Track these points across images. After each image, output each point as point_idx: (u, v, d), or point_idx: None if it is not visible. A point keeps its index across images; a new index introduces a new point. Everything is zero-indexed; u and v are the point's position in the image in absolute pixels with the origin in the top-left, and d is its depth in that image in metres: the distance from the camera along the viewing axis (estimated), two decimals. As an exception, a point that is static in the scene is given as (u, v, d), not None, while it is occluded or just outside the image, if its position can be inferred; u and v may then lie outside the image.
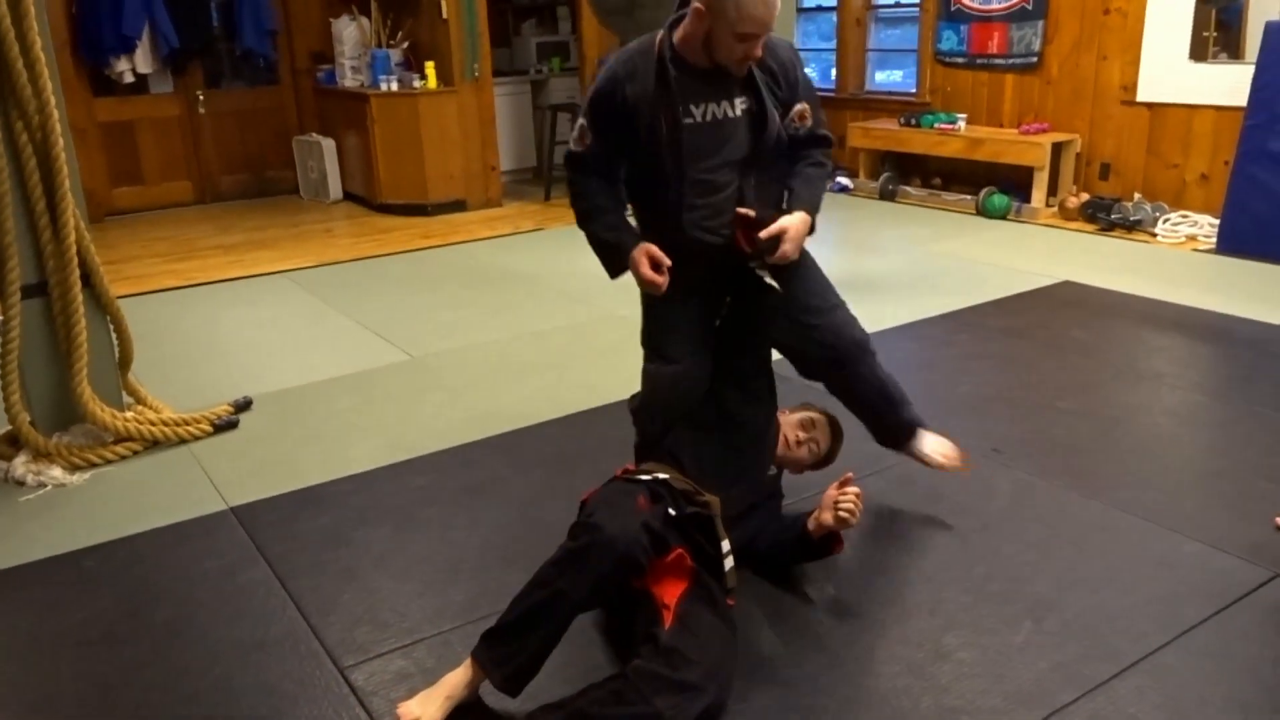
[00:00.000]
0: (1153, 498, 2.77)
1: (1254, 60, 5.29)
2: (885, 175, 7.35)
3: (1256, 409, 3.37)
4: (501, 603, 2.38)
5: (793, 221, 2.30)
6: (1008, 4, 6.66)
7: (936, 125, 6.96)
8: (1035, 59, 6.60)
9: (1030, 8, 6.55)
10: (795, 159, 2.41)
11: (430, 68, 6.99)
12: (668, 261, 2.35)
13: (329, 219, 7.22)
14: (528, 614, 1.93)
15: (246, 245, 6.38)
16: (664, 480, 2.13)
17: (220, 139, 7.71)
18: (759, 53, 2.17)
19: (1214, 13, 5.89)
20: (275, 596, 2.45)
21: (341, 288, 5.32)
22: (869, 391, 2.56)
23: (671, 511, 2.04)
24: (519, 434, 3.37)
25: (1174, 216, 5.87)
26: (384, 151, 7.08)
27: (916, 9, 7.35)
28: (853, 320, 2.50)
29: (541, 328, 4.54)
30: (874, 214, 6.79)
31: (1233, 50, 5.92)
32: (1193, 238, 5.68)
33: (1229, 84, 5.62)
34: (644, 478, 2.14)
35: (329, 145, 7.64)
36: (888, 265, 5.44)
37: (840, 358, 2.46)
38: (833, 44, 8.11)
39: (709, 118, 2.27)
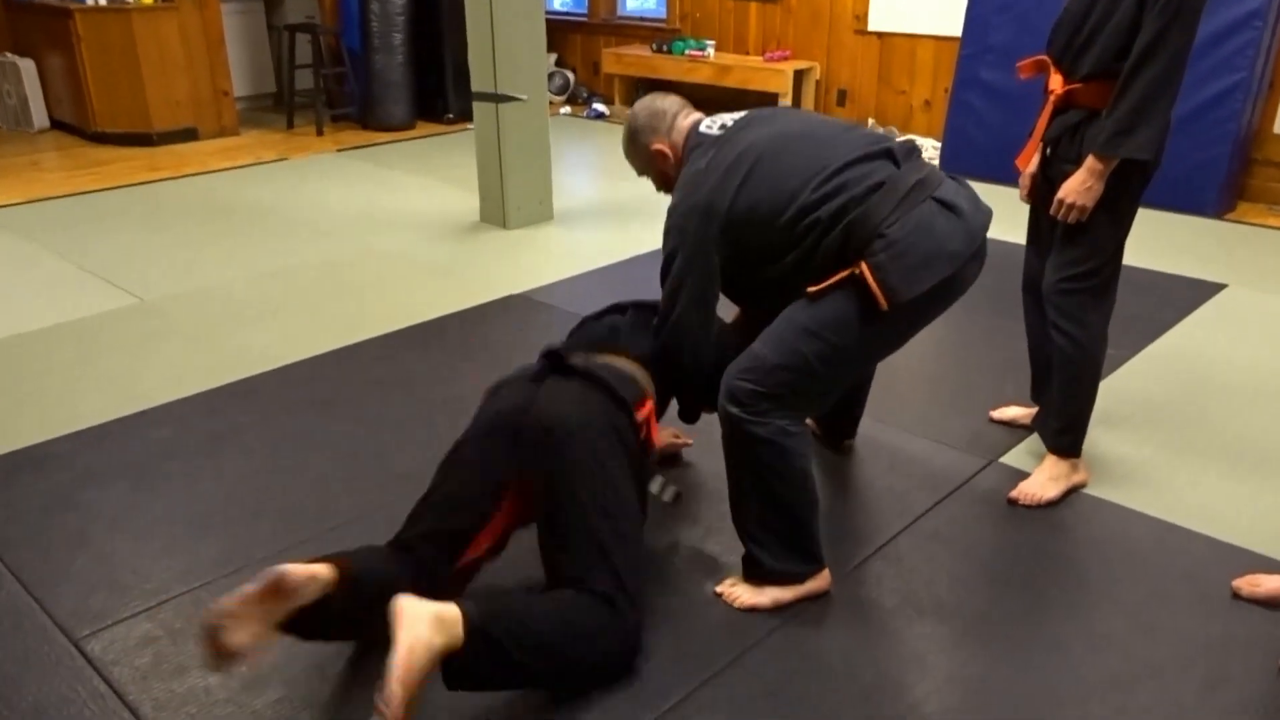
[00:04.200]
0: (886, 403, 2.99)
1: (967, -7, 5.70)
2: (640, 101, 7.40)
3: (974, 315, 3.70)
4: (254, 554, 2.27)
5: None
6: (749, -69, 6.81)
7: (687, 52, 7.07)
8: (776, -13, 6.82)
9: (770, -64, 6.73)
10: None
11: (144, -20, 6.32)
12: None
13: (35, 150, 6.44)
14: None
15: (-68, 182, 5.59)
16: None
17: (-111, 59, 6.67)
18: None
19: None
20: (-10, 571, 2.21)
21: (55, 227, 4.78)
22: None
23: None
24: (267, 377, 3.17)
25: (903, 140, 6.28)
26: (95, 75, 6.36)
27: (663, -66, 7.39)
28: (744, 369, 1.97)
29: (288, 264, 4.28)
30: (630, 140, 6.85)
31: (949, -17, 6.35)
32: (919, 160, 6.11)
33: (946, 15, 6.04)
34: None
35: (28, 66, 6.77)
36: (638, 191, 5.51)
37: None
38: (583, -33, 8.02)
39: None
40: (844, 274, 1.94)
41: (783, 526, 2.02)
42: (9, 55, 6.85)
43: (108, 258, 4.34)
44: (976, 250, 2.02)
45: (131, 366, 3.27)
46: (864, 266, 1.90)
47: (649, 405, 2.09)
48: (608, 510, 1.84)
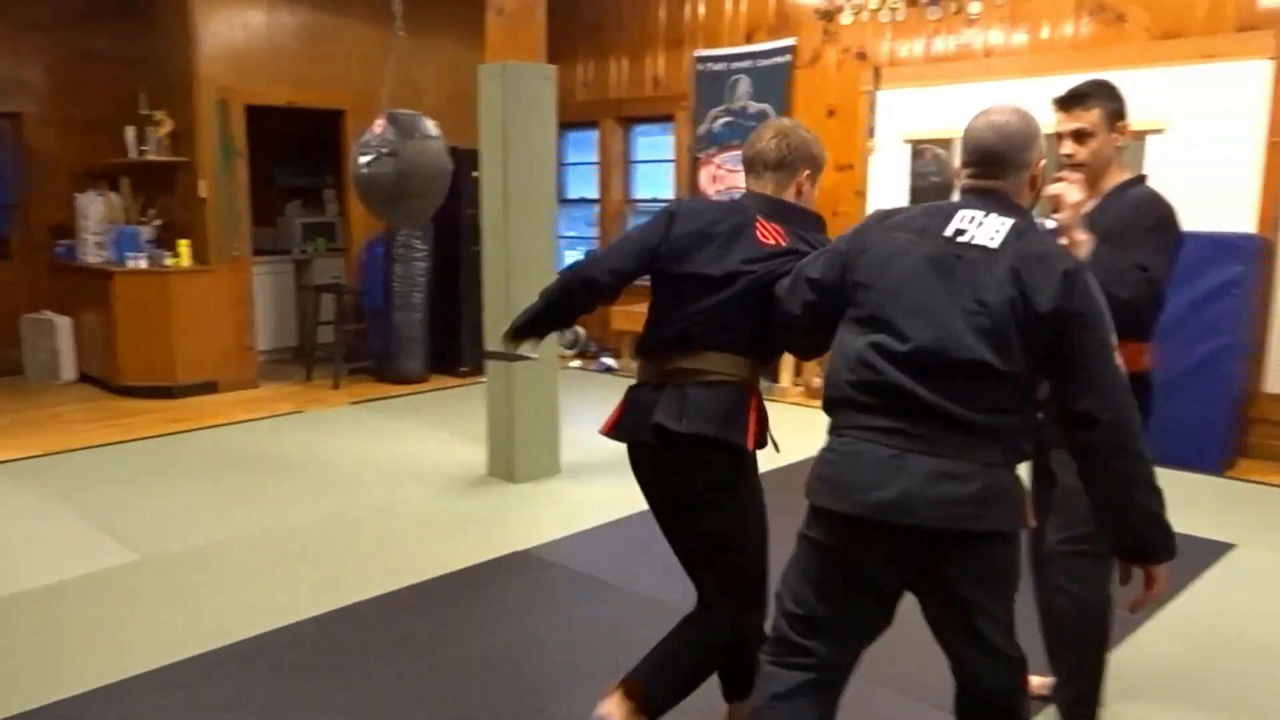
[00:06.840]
0: (897, 666, 2.89)
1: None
2: (647, 356, 7.65)
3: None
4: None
5: None
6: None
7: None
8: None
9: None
10: None
11: (184, 246, 6.75)
12: None
13: (59, 402, 6.64)
14: None
15: (-44, 433, 5.73)
16: None
17: (-68, 316, 7.03)
18: None
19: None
20: None
21: (69, 480, 4.85)
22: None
23: None
24: (265, 639, 3.11)
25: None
26: (126, 331, 6.66)
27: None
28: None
29: (296, 519, 4.29)
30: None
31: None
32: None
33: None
34: None
35: (64, 324, 7.12)
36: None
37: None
38: (595, 233, 8.54)
39: None
40: None
41: None
42: (46, 313, 7.20)
43: (116, 512, 4.36)
44: (884, 520, 1.77)
45: (124, 628, 3.22)
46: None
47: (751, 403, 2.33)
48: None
